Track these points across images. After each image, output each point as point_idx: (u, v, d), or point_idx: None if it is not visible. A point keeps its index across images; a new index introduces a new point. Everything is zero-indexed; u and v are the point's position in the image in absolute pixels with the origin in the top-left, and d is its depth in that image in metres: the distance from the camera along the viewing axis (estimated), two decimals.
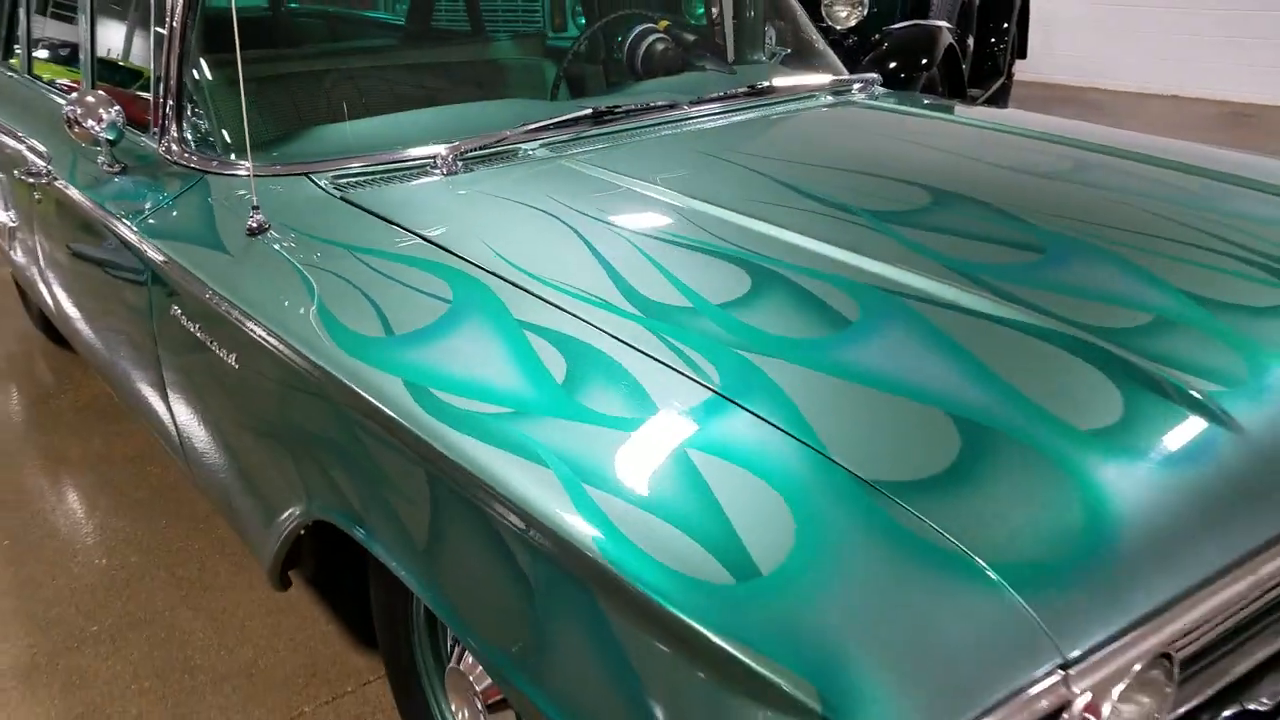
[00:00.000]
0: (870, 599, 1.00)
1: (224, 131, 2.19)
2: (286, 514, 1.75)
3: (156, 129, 2.28)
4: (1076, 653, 0.99)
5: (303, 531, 1.76)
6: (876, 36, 6.17)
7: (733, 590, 1.01)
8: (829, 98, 2.76)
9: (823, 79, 2.87)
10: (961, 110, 2.73)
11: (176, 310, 2.00)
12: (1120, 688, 1.02)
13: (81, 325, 2.86)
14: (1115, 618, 1.03)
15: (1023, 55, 9.15)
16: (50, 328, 4.21)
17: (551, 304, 1.50)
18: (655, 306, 1.50)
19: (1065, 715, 1.00)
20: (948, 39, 6.11)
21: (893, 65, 5.98)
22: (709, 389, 1.28)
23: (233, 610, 2.58)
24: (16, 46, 3.58)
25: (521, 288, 1.56)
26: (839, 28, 6.13)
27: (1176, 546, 1.11)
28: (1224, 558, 1.12)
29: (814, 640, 0.97)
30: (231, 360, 1.81)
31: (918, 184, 2.02)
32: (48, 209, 2.79)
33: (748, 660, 0.96)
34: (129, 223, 2.15)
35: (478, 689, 1.65)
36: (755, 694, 0.96)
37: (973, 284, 1.54)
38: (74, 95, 2.29)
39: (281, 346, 1.63)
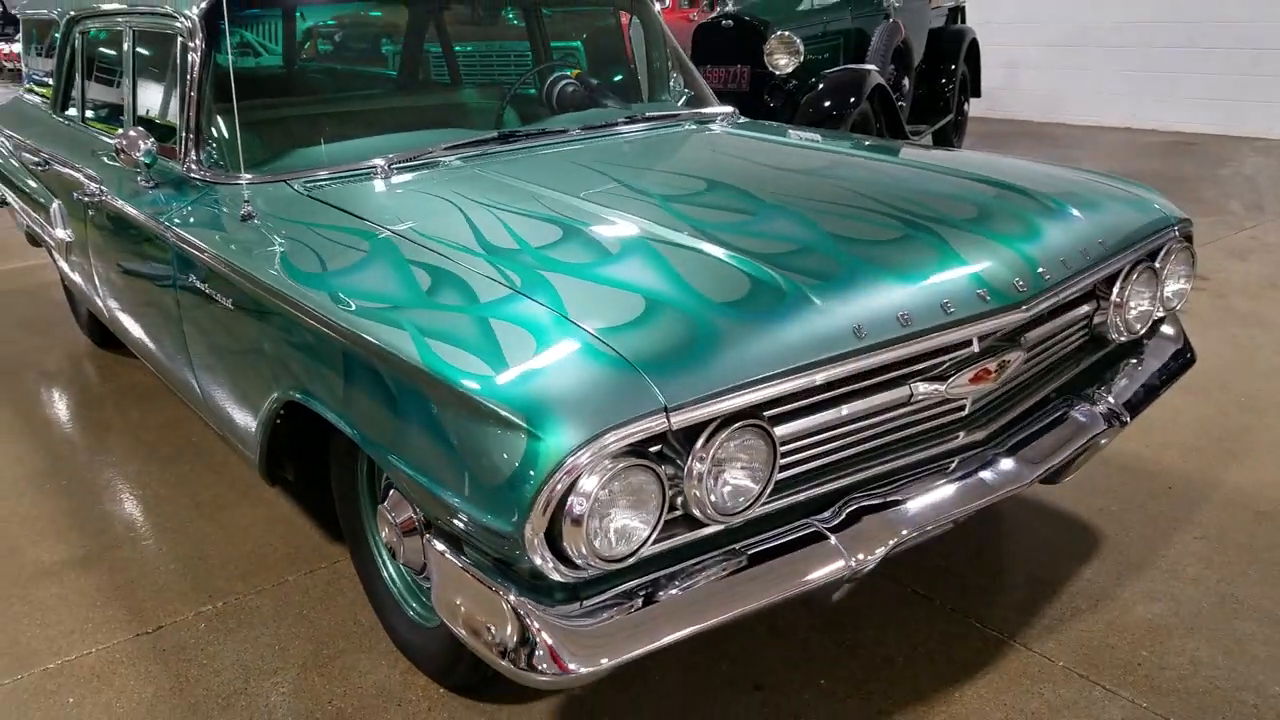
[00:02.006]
0: (564, 378, 1.81)
1: (228, 155, 3.03)
2: (266, 404, 2.56)
3: (181, 155, 3.13)
4: (676, 403, 1.79)
5: (279, 419, 2.57)
6: (813, 80, 7.00)
7: (492, 377, 1.82)
8: (692, 125, 3.60)
9: (688, 111, 3.71)
10: (784, 132, 3.57)
11: (193, 277, 2.84)
12: (710, 429, 1.82)
13: (124, 310, 3.71)
14: (707, 388, 1.83)
15: (976, 94, 9.93)
16: (96, 332, 5.08)
17: (427, 249, 2.32)
18: (495, 248, 2.32)
19: (667, 442, 1.81)
20: (876, 80, 6.95)
21: (827, 104, 6.82)
22: (510, 289, 2.09)
23: (238, 521, 3.40)
24: (71, 102, 4.48)
25: (411, 241, 2.38)
26: (779, 73, 7.00)
27: (758, 357, 1.91)
28: (784, 365, 1.92)
29: (532, 397, 1.77)
30: (228, 303, 2.64)
31: (703, 177, 2.90)
32: (99, 221, 3.65)
33: (498, 409, 1.77)
34: (161, 220, 2.99)
35: (395, 520, 2.44)
36: (502, 425, 1.77)
37: (698, 233, 2.36)
38: (120, 131, 3.15)
39: (255, 284, 2.46)
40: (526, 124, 3.59)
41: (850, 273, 2.19)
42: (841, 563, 2.05)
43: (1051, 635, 2.68)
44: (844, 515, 2.14)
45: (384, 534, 2.50)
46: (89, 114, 4.29)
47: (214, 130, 3.11)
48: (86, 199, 3.67)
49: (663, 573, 1.97)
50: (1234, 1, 10.45)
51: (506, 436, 1.77)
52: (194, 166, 3.08)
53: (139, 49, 3.65)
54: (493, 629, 1.87)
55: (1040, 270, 2.38)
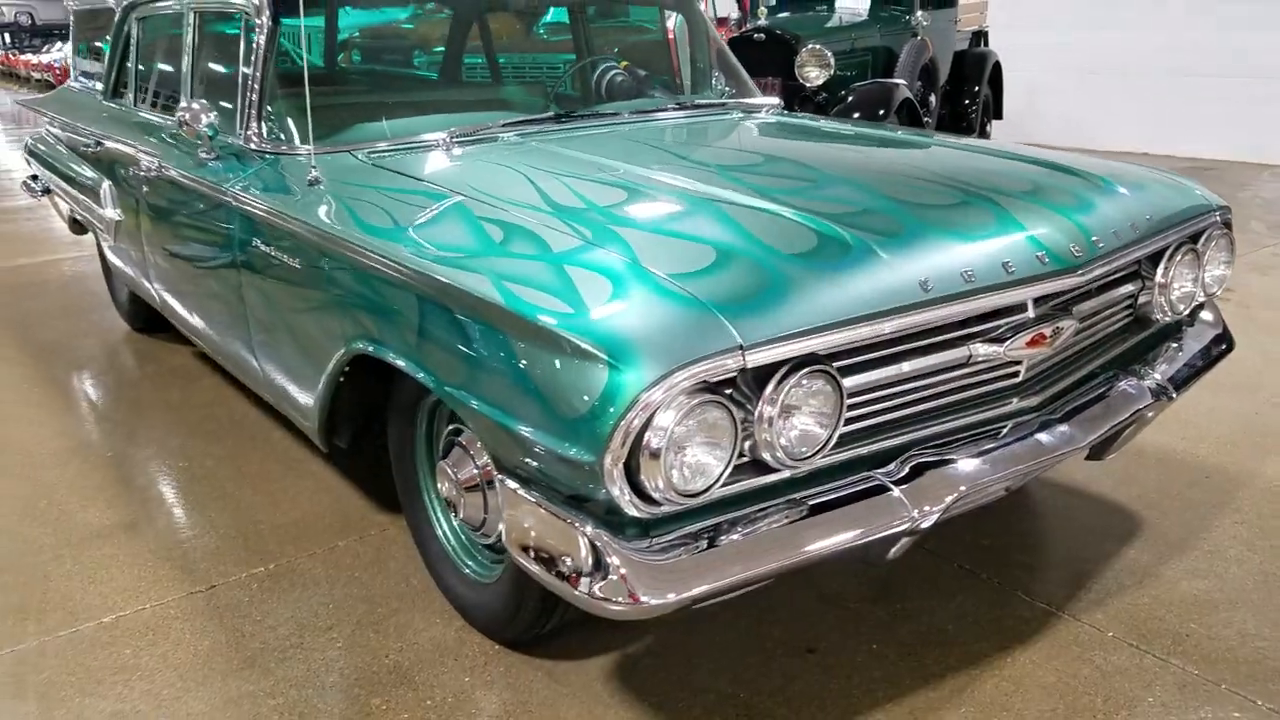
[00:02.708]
0: (642, 316, 1.86)
1: (291, 128, 3.10)
2: (332, 361, 2.61)
3: (241, 128, 3.19)
4: (751, 342, 1.84)
5: (342, 376, 2.62)
6: (843, 92, 7.10)
7: (572, 314, 1.87)
8: (739, 114, 3.67)
9: (736, 101, 3.78)
10: (824, 123, 3.64)
11: (258, 242, 2.90)
12: (785, 368, 1.87)
13: (176, 287, 3.77)
14: (780, 330, 1.88)
15: (998, 116, 10.04)
16: (136, 317, 5.15)
17: (497, 207, 2.38)
18: (563, 207, 2.38)
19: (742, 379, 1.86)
20: (904, 94, 7.04)
21: (855, 115, 6.90)
22: (582, 240, 2.15)
23: (285, 490, 3.45)
24: (123, 87, 4.56)
25: (480, 201, 2.44)
26: (809, 85, 7.09)
27: (828, 305, 1.96)
28: (854, 313, 1.98)
29: (612, 332, 1.82)
30: (295, 263, 2.70)
31: (758, 152, 2.99)
32: (154, 196, 3.71)
33: (579, 342, 1.82)
34: (225, 188, 3.05)
35: (456, 475, 2.48)
36: (582, 358, 1.82)
37: (761, 196, 2.42)
38: (183, 105, 3.21)
39: (327, 240, 2.52)
40: (579, 108, 3.65)
41: (914, 231, 2.24)
42: (904, 515, 2.09)
43: (1099, 608, 2.71)
44: (906, 469, 2.18)
45: (443, 489, 2.55)
46: (142, 97, 4.37)
47: (276, 104, 3.17)
48: (142, 174, 3.75)
49: (725, 518, 2.01)
50: (1251, 30, 10.54)
51: (586, 370, 1.82)
52: (254, 138, 3.14)
53: (199, 30, 3.73)
54: (568, 560, 1.91)
55: (1094, 238, 2.42)
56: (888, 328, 2.02)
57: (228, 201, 3.06)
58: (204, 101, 3.19)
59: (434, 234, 2.34)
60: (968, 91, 9.17)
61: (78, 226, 5.49)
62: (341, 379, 2.65)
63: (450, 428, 2.57)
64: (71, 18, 5.80)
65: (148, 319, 5.08)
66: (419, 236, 2.34)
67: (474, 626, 2.63)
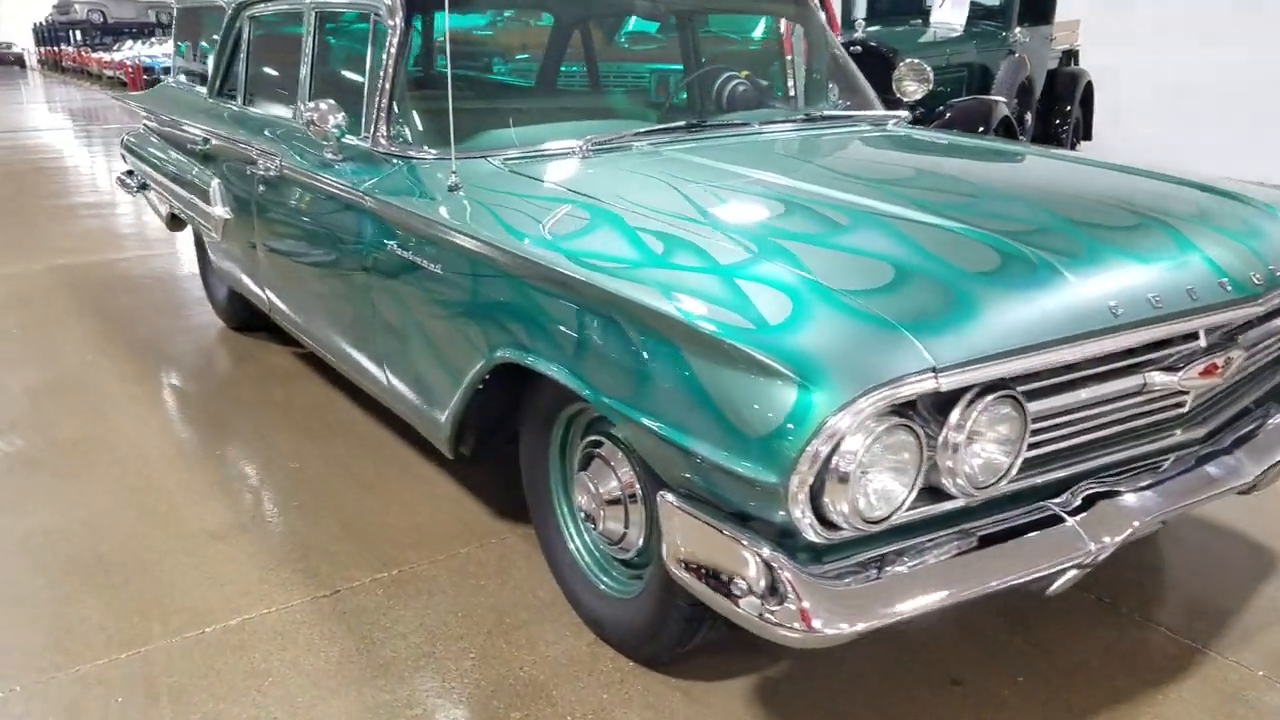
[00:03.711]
0: (829, 334, 1.80)
1: (426, 133, 3.08)
2: (473, 369, 2.57)
3: (370, 130, 3.17)
4: (944, 364, 1.77)
5: (481, 384, 2.58)
6: (941, 108, 6.99)
7: (755, 329, 1.82)
8: (867, 125, 3.59)
9: (863, 113, 3.71)
10: (960, 137, 3.55)
11: (392, 244, 2.87)
12: (973, 393, 1.80)
13: (292, 288, 3.77)
14: (973, 353, 1.81)
15: (1087, 137, 9.87)
16: (235, 315, 5.16)
17: (652, 218, 2.33)
18: (721, 220, 2.33)
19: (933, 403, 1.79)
20: (1003, 111, 6.92)
21: (953, 131, 6.79)
22: (748, 252, 2.09)
23: (399, 495, 3.42)
24: (230, 86, 4.58)
25: (633, 211, 2.39)
26: (906, 100, 6.98)
27: (1019, 327, 1.89)
28: (1046, 335, 1.90)
29: (802, 349, 1.77)
30: (437, 268, 2.67)
31: (906, 165, 2.93)
32: (273, 195, 3.71)
33: (766, 360, 1.76)
34: (357, 190, 3.03)
35: (597, 488, 2.44)
36: (768, 376, 1.76)
37: (926, 210, 2.35)
38: (311, 104, 3.20)
39: (475, 246, 2.48)
40: (702, 117, 3.60)
41: (1096, 252, 2.16)
42: (1081, 548, 2.02)
43: (1246, 645, 2.60)
44: (1079, 501, 2.10)
45: (582, 503, 2.50)
46: (253, 96, 4.38)
47: (406, 107, 3.15)
48: (259, 173, 3.75)
49: (895, 547, 1.95)
50: None
51: (771, 388, 1.76)
52: (383, 141, 3.12)
53: (320, 30, 3.72)
54: (739, 582, 1.85)
55: (1271, 266, 2.33)
56: (1078, 353, 1.94)
57: (359, 203, 3.05)
58: (332, 101, 3.17)
59: (590, 243, 2.30)
60: (1059, 111, 9.03)
61: (176, 223, 5.53)
62: (480, 387, 2.61)
63: (589, 439, 2.52)
64: (175, 13, 5.84)
65: (245, 318, 5.10)
66: (577, 245, 2.29)
67: (608, 642, 2.58)
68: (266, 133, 3.94)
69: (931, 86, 7.00)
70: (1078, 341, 1.94)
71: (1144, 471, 2.26)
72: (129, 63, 25.96)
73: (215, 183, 4.33)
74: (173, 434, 3.99)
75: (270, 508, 3.36)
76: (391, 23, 3.16)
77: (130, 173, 5.98)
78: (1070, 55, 9.92)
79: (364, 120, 3.24)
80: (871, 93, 3.98)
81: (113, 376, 4.65)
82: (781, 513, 1.77)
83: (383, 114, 3.14)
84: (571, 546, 2.67)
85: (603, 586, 2.58)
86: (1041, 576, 2.01)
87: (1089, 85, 9.48)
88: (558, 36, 3.94)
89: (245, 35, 4.44)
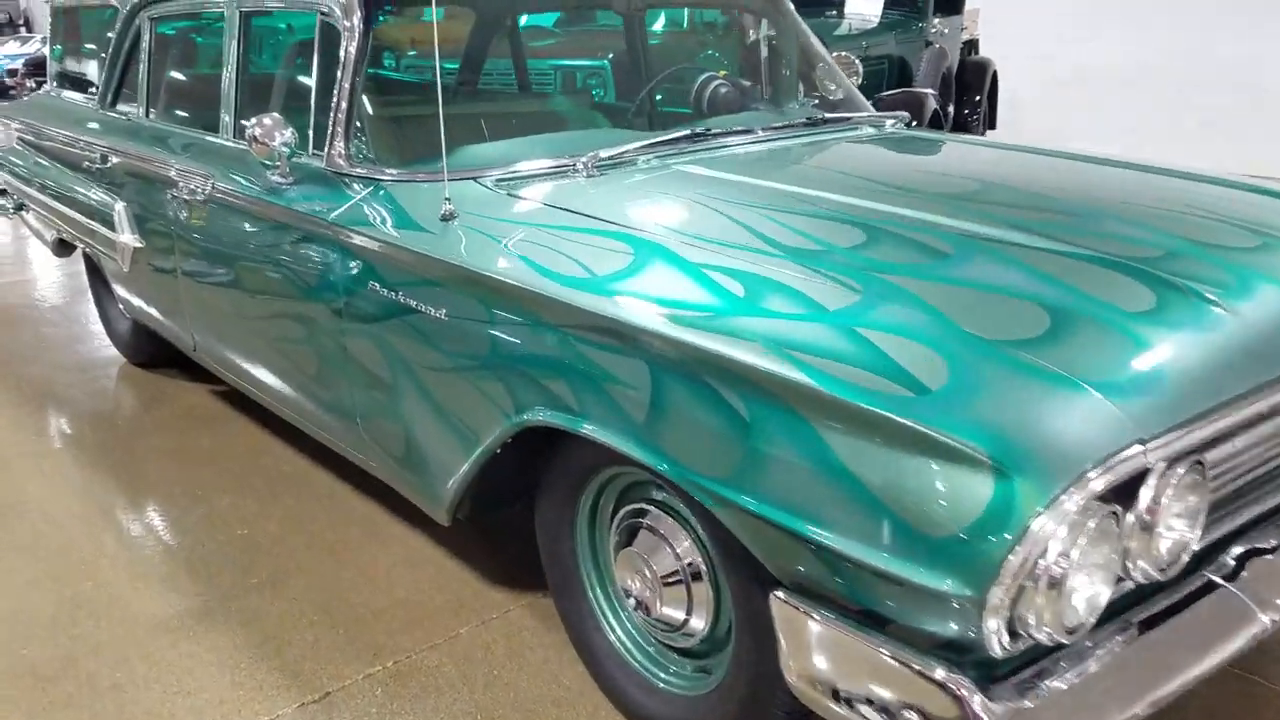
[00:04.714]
0: (1017, 405, 1.47)
1: (395, 150, 2.66)
2: (493, 431, 2.18)
3: (326, 148, 2.73)
4: (1151, 434, 1.46)
5: (499, 449, 2.19)
6: (871, 101, 6.76)
7: (912, 399, 1.48)
8: (869, 129, 3.29)
9: (861, 115, 3.41)
10: (971, 140, 3.28)
11: (374, 284, 2.45)
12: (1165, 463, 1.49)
13: (229, 327, 3.29)
14: (1176, 414, 1.51)
15: (992, 126, 9.83)
16: (139, 350, 4.61)
17: (711, 251, 1.98)
18: (795, 250, 1.99)
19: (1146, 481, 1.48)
20: (933, 105, 6.73)
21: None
22: (853, 292, 1.76)
23: (373, 563, 2.98)
24: (126, 96, 4.05)
25: (685, 243, 2.03)
26: (831, 96, 6.75)
27: (1209, 377, 1.60)
28: (1234, 390, 1.62)
29: (992, 426, 1.44)
30: (440, 314, 2.26)
31: (961, 176, 2.69)
32: (201, 222, 3.23)
33: (947, 440, 1.43)
34: (324, 218, 2.59)
35: (652, 568, 2.08)
36: (947, 459, 1.43)
37: (1026, 232, 2.05)
38: (254, 120, 2.74)
39: (506, 290, 2.09)
40: (686, 125, 3.25)
41: (1243, 280, 1.88)
42: (1252, 617, 1.74)
43: None
44: (1232, 561, 1.82)
45: (630, 586, 2.15)
46: (157, 107, 3.88)
47: (372, 120, 2.74)
48: (183, 196, 3.27)
49: (1052, 655, 1.63)
50: (1230, 43, 10.44)
51: (955, 475, 1.43)
52: (341, 160, 2.69)
53: (245, 33, 3.26)
54: (912, 715, 1.52)
55: None
56: (1268, 404, 1.66)
57: (324, 234, 2.61)
58: (277, 116, 2.73)
59: (646, 285, 1.93)
60: (968, 101, 8.93)
61: (64, 248, 4.95)
62: (498, 451, 2.22)
63: (631, 508, 2.17)
64: (52, 12, 5.22)
65: (152, 352, 4.56)
66: (629, 287, 1.93)
67: None
68: (183, 150, 3.45)
69: (860, 82, 6.83)
70: (1266, 391, 1.66)
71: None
72: None
73: (120, 206, 3.81)
74: (91, 496, 3.47)
75: (226, 587, 2.89)
76: (348, 24, 2.73)
77: (3, 191, 5.34)
78: (971, 45, 9.86)
79: (313, 136, 2.81)
80: (857, 92, 3.69)
81: (6, 427, 4.08)
82: (962, 626, 1.45)
83: (340, 129, 2.72)
84: (612, 636, 2.30)
85: (660, 683, 2.22)
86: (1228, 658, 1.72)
87: (994, 75, 9.41)
88: (520, 34, 3.55)
89: (145, 38, 3.92)
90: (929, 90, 6.84)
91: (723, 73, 3.57)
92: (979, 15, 10.00)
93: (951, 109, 7.88)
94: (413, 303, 2.35)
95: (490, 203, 2.43)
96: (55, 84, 5.18)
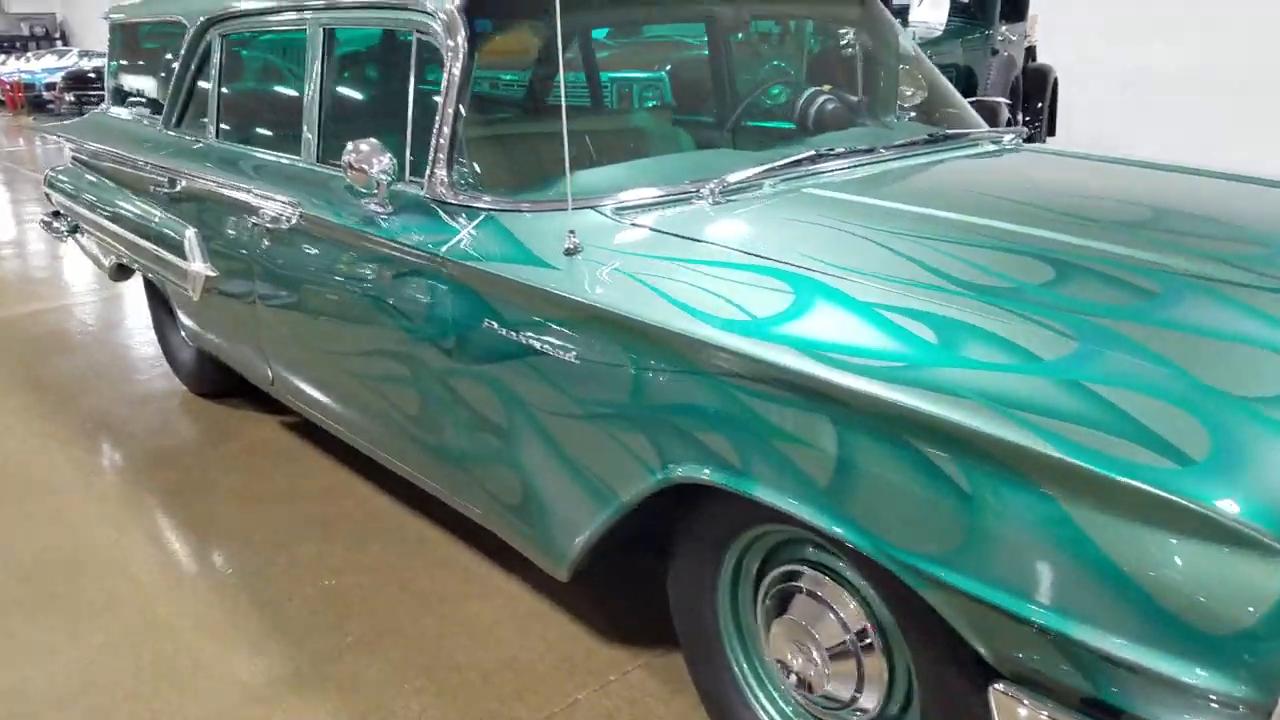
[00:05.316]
0: None
1: (503, 178, 2.48)
2: (633, 488, 1.98)
3: (422, 177, 2.55)
4: None
5: (639, 502, 2.00)
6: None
7: (1177, 471, 1.27)
8: (989, 145, 3.08)
9: (979, 130, 3.20)
10: (1105, 157, 3.06)
11: (490, 323, 2.26)
12: None
13: (315, 362, 3.11)
14: None
15: (1052, 133, 9.59)
16: (203, 380, 4.44)
17: (882, 289, 1.78)
18: (979, 287, 1.78)
19: None
20: (1006, 114, 6.50)
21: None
22: (1067, 337, 1.55)
23: (476, 617, 2.79)
24: (195, 117, 3.89)
25: (850, 280, 1.83)
26: (904, 105, 6.54)
27: None
28: None
29: (1258, 503, 1.23)
30: (569, 357, 2.07)
31: (1130, 201, 2.45)
32: (286, 250, 3.05)
33: (1218, 518, 1.23)
34: (435, 253, 2.40)
35: (816, 638, 1.88)
36: (1223, 541, 1.23)
37: (1230, 266, 1.84)
38: (351, 145, 2.56)
39: (653, 334, 1.89)
40: (794, 144, 3.06)
41: None
42: None
43: None
44: None
45: (784, 656, 1.95)
46: (229, 129, 3.71)
47: (476, 146, 2.55)
48: (267, 225, 3.09)
49: None
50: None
51: (1236, 564, 1.23)
52: (443, 189, 2.51)
53: (330, 51, 3.08)
54: None
55: None
56: None
57: (433, 269, 2.43)
58: (375, 141, 2.55)
59: (820, 329, 1.72)
60: (1029, 108, 8.70)
61: (123, 273, 4.79)
62: (636, 508, 2.02)
63: (781, 570, 1.97)
64: (110, 29, 5.07)
65: (217, 383, 4.40)
66: (799, 332, 1.72)
67: None
68: (260, 174, 3.28)
69: (927, 94, 6.63)
70: None
71: None
72: (7, 80, 24.02)
73: (190, 233, 3.63)
74: (161, 545, 3.29)
75: (318, 647, 2.70)
76: (451, 43, 2.54)
77: (57, 213, 5.20)
78: (1031, 51, 9.64)
79: (409, 163, 2.63)
80: (967, 105, 3.49)
81: (65, 466, 3.91)
82: None
83: (443, 155, 2.53)
84: (764, 714, 2.09)
85: None
86: None
87: (1055, 81, 9.18)
88: (615, 49, 3.36)
89: (215, 56, 3.76)
90: (1002, 100, 6.59)
91: (828, 87, 3.37)
92: (1038, 21, 9.77)
93: (1020, 118, 7.64)
94: (536, 344, 2.16)
95: (614, 234, 2.24)
96: (112, 102, 5.04)
